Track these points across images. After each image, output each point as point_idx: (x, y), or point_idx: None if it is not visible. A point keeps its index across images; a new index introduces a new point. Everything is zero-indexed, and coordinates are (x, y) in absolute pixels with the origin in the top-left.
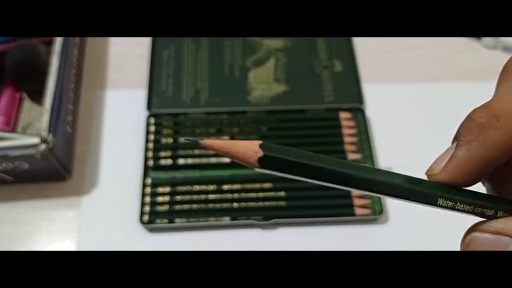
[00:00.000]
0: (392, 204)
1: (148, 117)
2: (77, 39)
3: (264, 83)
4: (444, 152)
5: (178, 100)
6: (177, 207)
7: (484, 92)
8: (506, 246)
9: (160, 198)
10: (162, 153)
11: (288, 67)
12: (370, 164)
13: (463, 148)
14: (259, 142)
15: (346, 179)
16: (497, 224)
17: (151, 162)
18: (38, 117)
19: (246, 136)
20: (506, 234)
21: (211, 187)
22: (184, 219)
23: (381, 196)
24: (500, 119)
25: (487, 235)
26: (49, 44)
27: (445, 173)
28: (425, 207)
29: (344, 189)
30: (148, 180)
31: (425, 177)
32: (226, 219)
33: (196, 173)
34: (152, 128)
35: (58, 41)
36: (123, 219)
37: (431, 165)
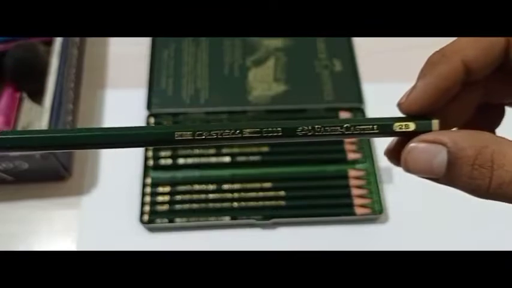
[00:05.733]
0: (392, 203)
1: (148, 116)
2: (76, 39)
3: (263, 82)
4: (410, 87)
5: (178, 99)
6: (177, 206)
7: None
8: (439, 153)
9: (160, 198)
10: (162, 153)
11: (287, 67)
12: (370, 164)
13: (420, 80)
14: None
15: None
16: (432, 134)
17: (151, 162)
18: (38, 116)
19: None
20: (439, 143)
21: (211, 187)
22: (184, 219)
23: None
24: (447, 56)
25: (423, 144)
26: (49, 44)
27: (408, 101)
28: (424, 206)
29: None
30: (148, 180)
31: None
32: (226, 219)
33: (196, 173)
34: None
35: (58, 41)
36: (123, 219)
37: (401, 98)
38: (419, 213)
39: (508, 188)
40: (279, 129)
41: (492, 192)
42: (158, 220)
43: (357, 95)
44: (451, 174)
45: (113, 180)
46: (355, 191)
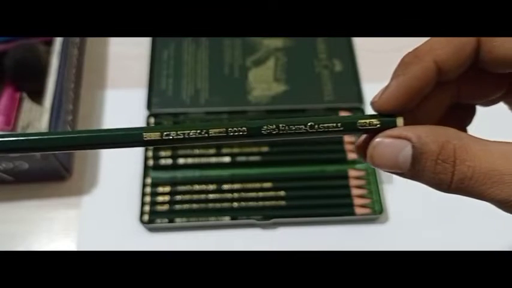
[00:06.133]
0: (392, 203)
1: (149, 116)
2: (77, 39)
3: (264, 82)
4: (384, 87)
5: (178, 100)
6: (177, 206)
7: None
8: (404, 148)
9: (160, 198)
10: (162, 153)
11: (288, 67)
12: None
13: (394, 80)
14: None
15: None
16: (398, 130)
17: (151, 162)
18: (38, 117)
19: None
20: (404, 138)
21: (211, 187)
22: (184, 219)
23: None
24: (419, 56)
25: (388, 139)
26: (49, 44)
27: (381, 100)
28: (424, 206)
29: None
30: (148, 180)
31: None
32: (226, 219)
33: (196, 173)
34: None
35: (58, 41)
36: (123, 219)
37: (374, 97)
38: (419, 213)
39: (469, 183)
40: (244, 128)
41: (454, 187)
42: (158, 220)
43: (357, 95)
44: (415, 169)
45: (113, 180)
46: (355, 191)
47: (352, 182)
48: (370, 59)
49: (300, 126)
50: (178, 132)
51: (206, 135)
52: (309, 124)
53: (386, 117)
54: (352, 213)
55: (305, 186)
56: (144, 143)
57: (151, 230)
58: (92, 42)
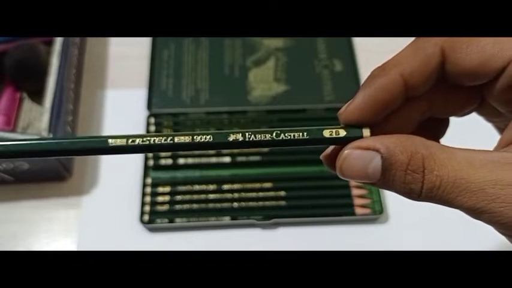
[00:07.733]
0: (392, 204)
1: (149, 116)
2: (77, 39)
3: (264, 82)
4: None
5: (179, 100)
6: (177, 206)
7: None
8: (373, 159)
9: (160, 198)
10: (162, 153)
11: (288, 67)
12: None
13: (360, 92)
14: None
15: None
16: (366, 141)
17: (151, 162)
18: (38, 117)
19: None
20: (373, 149)
21: (212, 187)
22: (184, 219)
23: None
24: (386, 70)
25: (358, 151)
26: (49, 44)
27: (347, 111)
28: (424, 206)
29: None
30: (149, 180)
31: None
32: (227, 219)
33: (197, 173)
34: (152, 128)
35: (58, 41)
36: (123, 219)
37: (341, 108)
38: (420, 213)
39: (437, 192)
40: (209, 136)
41: (424, 196)
42: (158, 220)
43: None
44: (386, 179)
45: (113, 181)
46: (355, 191)
47: (353, 182)
48: (370, 59)
49: (266, 135)
50: (145, 138)
51: (171, 141)
52: (274, 133)
53: (353, 127)
54: (353, 214)
55: (305, 186)
56: (110, 150)
57: (151, 230)
58: (92, 42)
